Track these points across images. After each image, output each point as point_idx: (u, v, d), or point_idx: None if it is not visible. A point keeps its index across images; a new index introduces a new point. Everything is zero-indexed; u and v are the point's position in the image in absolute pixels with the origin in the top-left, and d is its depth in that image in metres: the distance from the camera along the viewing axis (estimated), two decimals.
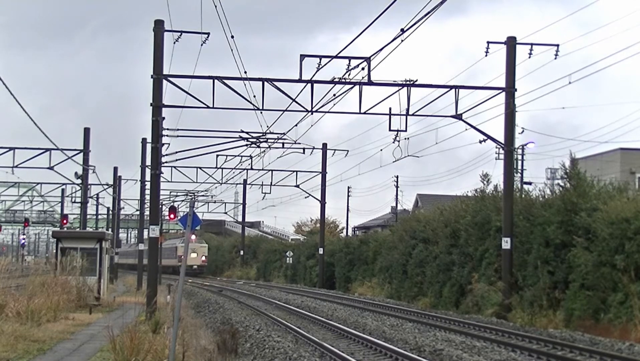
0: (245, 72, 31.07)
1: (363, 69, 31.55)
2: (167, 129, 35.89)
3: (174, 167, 56.42)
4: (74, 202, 70.79)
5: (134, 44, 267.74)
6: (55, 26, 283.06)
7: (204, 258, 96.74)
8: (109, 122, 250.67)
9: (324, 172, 65.61)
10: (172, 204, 74.96)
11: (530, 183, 51.50)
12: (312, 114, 33.85)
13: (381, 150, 46.14)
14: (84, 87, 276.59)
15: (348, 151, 60.76)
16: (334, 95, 32.94)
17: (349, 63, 31.46)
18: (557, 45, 33.01)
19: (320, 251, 65.36)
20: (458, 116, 34.12)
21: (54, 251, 41.90)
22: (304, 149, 50.09)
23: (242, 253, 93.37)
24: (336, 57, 30.48)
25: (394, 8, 18.04)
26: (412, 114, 34.22)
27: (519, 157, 59.85)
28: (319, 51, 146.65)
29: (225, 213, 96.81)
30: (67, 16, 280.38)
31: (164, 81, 32.38)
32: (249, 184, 73.29)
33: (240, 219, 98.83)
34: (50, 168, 50.50)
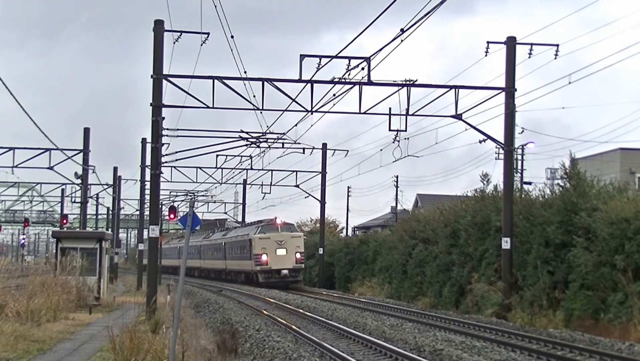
0: (245, 72, 31.13)
1: (363, 69, 31.60)
2: (167, 129, 35.92)
3: (174, 167, 56.42)
4: (74, 202, 70.86)
5: (131, 43, 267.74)
6: (42, 23, 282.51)
7: (298, 255, 62.36)
8: (99, 121, 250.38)
9: (323, 172, 65.58)
10: (172, 204, 74.94)
11: (530, 183, 51.58)
12: (312, 114, 33.88)
13: (381, 150, 46.08)
14: (73, 85, 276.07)
15: (348, 151, 60.75)
16: (334, 95, 32.97)
17: (349, 63, 31.49)
18: (557, 45, 33.03)
19: (320, 251, 65.29)
20: (458, 116, 34.11)
21: (54, 251, 41.90)
22: (304, 149, 50.11)
23: None
24: (336, 57, 30.49)
25: (399, 8, 18.09)
26: (412, 114, 34.21)
27: (519, 157, 59.90)
28: (325, 51, 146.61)
29: (225, 213, 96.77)
30: (58, 12, 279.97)
31: (164, 81, 32.41)
32: (249, 184, 73.20)
33: (240, 219, 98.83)
34: (50, 168, 50.52)
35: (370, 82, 32.42)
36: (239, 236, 68.29)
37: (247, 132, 40.68)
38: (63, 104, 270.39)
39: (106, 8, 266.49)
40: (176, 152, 39.02)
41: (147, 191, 43.66)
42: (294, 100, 32.89)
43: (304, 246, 63.72)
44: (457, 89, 33.83)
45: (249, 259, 62.77)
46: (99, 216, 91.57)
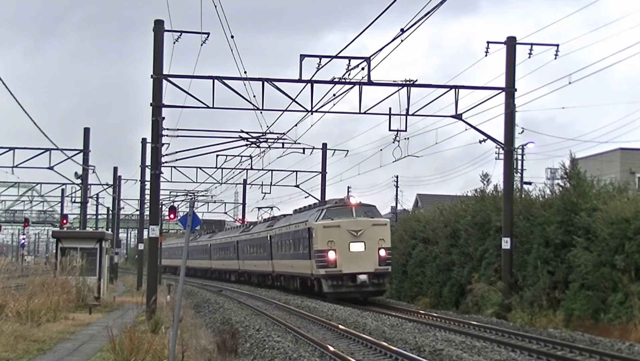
0: (245, 72, 31.13)
1: (363, 69, 31.60)
2: (167, 129, 35.91)
3: (174, 167, 56.37)
4: (74, 202, 70.93)
5: (130, 42, 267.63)
6: (36, 20, 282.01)
7: (383, 252, 41.40)
8: (98, 121, 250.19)
9: (323, 172, 65.53)
10: (172, 204, 74.93)
11: (530, 183, 51.58)
12: (312, 114, 33.87)
13: (381, 150, 46.08)
14: (71, 84, 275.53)
15: (348, 151, 60.60)
16: (334, 95, 32.97)
17: (349, 63, 31.49)
18: (557, 46, 33.02)
19: None
20: (458, 116, 34.10)
21: (54, 251, 41.93)
22: (303, 149, 50.04)
23: None
24: (336, 57, 30.49)
25: (402, 8, 18.11)
26: (412, 114, 34.21)
27: (519, 157, 59.91)
28: (327, 51, 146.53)
29: (225, 213, 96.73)
30: (52, 10, 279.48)
31: (164, 81, 32.40)
32: (249, 184, 73.07)
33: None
34: (50, 168, 50.52)
35: (370, 82, 32.41)
36: (293, 225, 47.84)
37: (247, 132, 40.69)
38: (59, 104, 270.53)
39: (104, 7, 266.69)
40: (176, 152, 39.01)
41: (147, 191, 43.68)
42: (294, 100, 32.88)
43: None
44: (457, 89, 33.81)
45: (308, 258, 43.13)
46: (99, 216, 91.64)
